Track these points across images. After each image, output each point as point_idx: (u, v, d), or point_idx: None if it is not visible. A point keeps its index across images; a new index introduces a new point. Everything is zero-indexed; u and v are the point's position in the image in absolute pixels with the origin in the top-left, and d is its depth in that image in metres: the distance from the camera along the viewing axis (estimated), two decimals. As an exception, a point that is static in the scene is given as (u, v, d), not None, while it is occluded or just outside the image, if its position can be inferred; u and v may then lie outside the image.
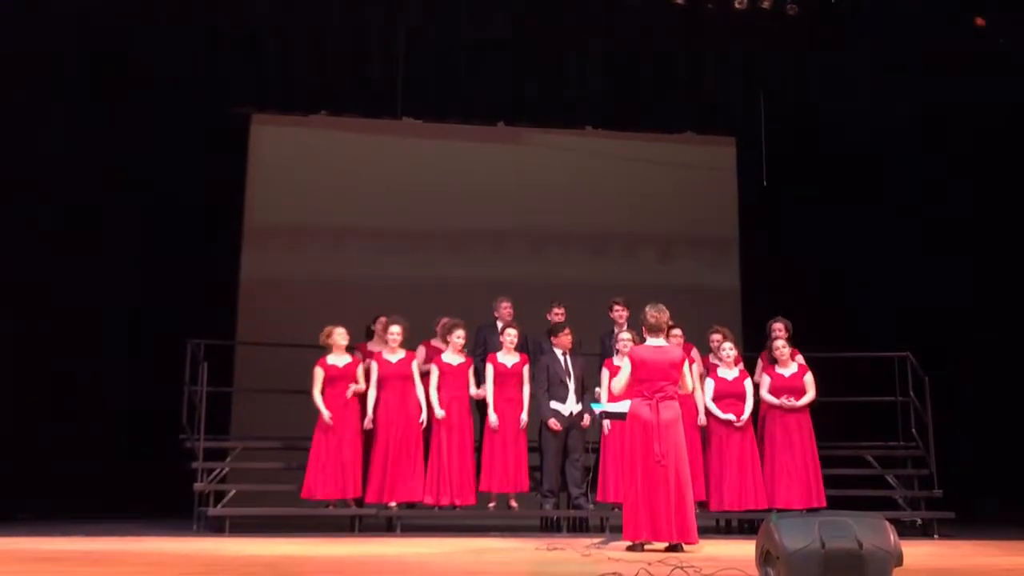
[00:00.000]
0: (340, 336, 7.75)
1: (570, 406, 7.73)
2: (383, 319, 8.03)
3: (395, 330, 7.75)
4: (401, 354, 7.77)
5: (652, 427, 6.08)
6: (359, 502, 7.67)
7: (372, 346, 8.14)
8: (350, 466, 7.56)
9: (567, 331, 7.87)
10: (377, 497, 7.55)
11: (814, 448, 7.74)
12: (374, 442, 7.63)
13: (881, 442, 8.71)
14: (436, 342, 8.16)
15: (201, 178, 9.93)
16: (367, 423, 7.62)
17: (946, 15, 8.77)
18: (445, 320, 8.07)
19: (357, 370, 7.75)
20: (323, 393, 7.65)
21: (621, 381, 6.37)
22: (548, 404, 7.73)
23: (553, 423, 7.67)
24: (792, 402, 7.73)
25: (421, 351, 8.04)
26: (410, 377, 7.70)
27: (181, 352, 8.09)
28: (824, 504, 7.54)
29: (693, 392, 7.19)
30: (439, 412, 7.59)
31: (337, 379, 7.68)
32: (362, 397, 7.73)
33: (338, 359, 7.75)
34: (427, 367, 7.82)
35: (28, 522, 7.81)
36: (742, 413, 7.66)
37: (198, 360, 8.05)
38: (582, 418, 7.73)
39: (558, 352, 7.86)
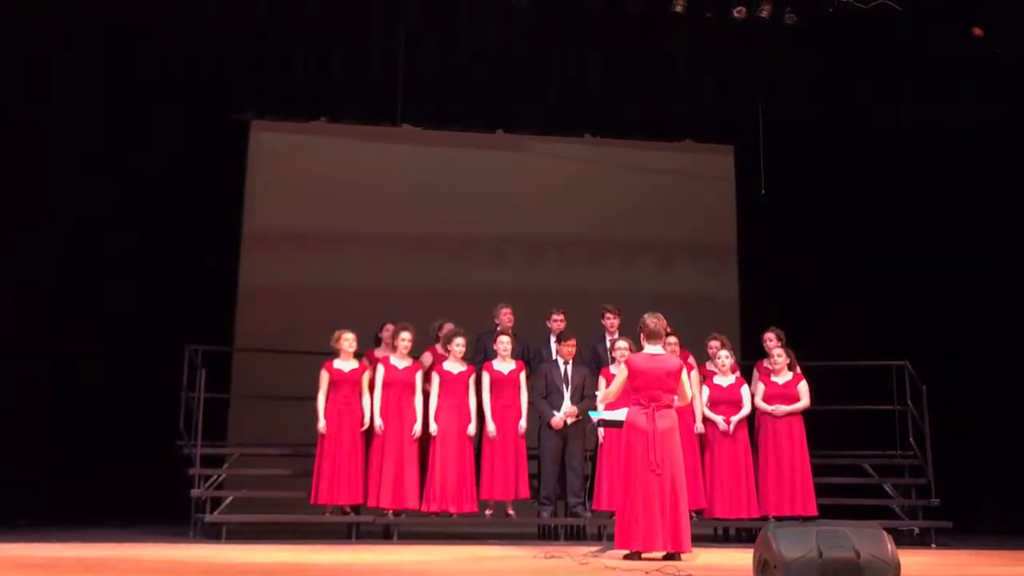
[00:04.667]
0: (347, 342, 7.73)
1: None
2: (391, 326, 8.00)
3: (405, 336, 7.75)
4: (408, 361, 7.77)
5: (648, 436, 6.07)
6: (357, 509, 7.66)
7: (380, 352, 8.13)
8: (355, 471, 7.55)
9: (570, 342, 7.86)
10: (375, 503, 7.54)
11: (805, 456, 7.73)
12: (372, 448, 7.63)
13: (879, 451, 8.71)
14: (440, 348, 8.16)
15: (200, 184, 9.93)
16: (377, 428, 7.58)
17: (944, 24, 8.79)
18: (447, 326, 8.06)
19: (362, 377, 7.73)
20: (327, 397, 7.64)
21: (614, 388, 6.39)
22: (547, 407, 7.74)
23: (555, 421, 7.67)
24: (779, 409, 7.72)
25: (427, 357, 8.05)
26: (413, 385, 7.70)
27: (179, 358, 8.09)
28: (814, 513, 7.53)
29: (692, 401, 7.17)
30: (433, 427, 7.58)
31: (341, 384, 7.65)
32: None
33: (344, 364, 7.73)
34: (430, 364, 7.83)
35: (25, 528, 7.79)
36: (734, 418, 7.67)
37: (196, 366, 8.05)
38: (578, 420, 7.72)
39: (560, 360, 7.86)
